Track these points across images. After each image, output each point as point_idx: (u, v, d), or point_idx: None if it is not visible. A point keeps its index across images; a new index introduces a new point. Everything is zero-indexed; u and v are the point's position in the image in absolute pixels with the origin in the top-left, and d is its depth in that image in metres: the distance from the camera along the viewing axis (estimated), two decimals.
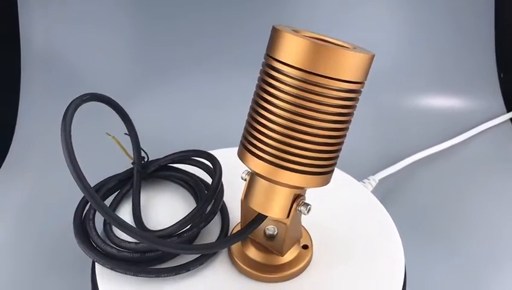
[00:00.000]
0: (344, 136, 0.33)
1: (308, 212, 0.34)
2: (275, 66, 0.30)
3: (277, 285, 0.37)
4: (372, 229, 0.42)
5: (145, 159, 0.45)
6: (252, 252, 0.38)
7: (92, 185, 0.35)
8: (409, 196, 0.57)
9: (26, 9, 0.70)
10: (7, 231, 0.53)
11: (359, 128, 0.47)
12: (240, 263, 0.37)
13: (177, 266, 0.37)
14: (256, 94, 0.32)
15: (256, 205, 0.34)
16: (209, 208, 0.40)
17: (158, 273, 0.36)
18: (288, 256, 0.38)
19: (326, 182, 0.33)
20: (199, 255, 0.37)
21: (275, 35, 0.30)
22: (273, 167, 0.31)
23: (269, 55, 0.31)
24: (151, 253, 0.37)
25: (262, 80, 0.31)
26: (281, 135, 0.31)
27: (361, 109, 0.45)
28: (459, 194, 0.58)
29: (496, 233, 0.53)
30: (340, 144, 0.33)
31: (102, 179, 0.44)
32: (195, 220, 0.39)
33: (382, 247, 0.41)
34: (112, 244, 0.38)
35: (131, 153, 0.44)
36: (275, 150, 0.31)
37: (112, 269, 0.36)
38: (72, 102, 0.36)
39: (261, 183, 0.33)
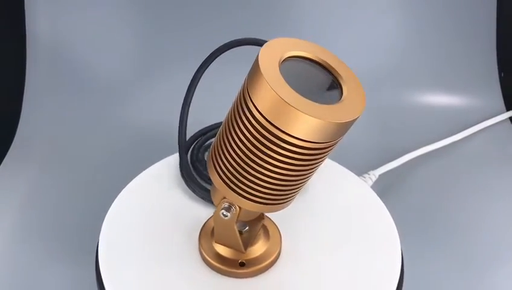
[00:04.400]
0: (301, 182, 0.32)
1: (223, 215, 0.34)
2: (246, 99, 0.28)
3: (254, 279, 0.37)
4: (370, 224, 0.43)
5: None
6: (219, 247, 0.38)
7: None
8: (408, 191, 0.58)
9: (32, 0, 0.70)
10: (12, 220, 0.53)
11: (360, 123, 0.47)
12: (207, 258, 0.38)
13: None
14: (229, 114, 0.31)
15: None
16: None
17: None
18: (253, 253, 0.38)
19: (274, 210, 0.34)
20: None
21: (255, 67, 0.28)
22: (225, 185, 0.32)
23: (246, 86, 0.29)
24: None
25: (236, 104, 0.30)
26: (236, 163, 0.30)
27: None
28: (458, 190, 0.58)
29: (495, 230, 0.53)
30: (295, 187, 0.32)
31: None
32: None
33: (379, 242, 0.41)
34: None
35: None
36: (229, 173, 0.31)
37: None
38: (227, 43, 0.40)
39: None
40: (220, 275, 0.38)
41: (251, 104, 0.28)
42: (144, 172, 0.48)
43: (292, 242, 0.40)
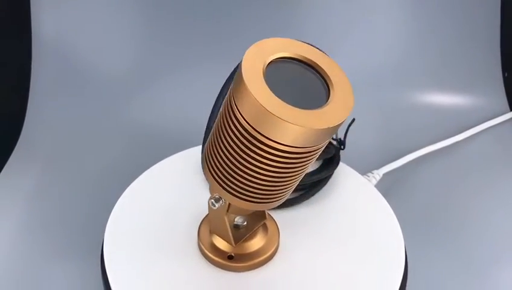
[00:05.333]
0: (291, 182, 0.32)
1: (211, 204, 0.35)
2: (231, 104, 0.29)
3: (250, 273, 0.38)
4: (373, 223, 0.43)
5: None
6: (218, 241, 0.39)
7: None
8: (412, 191, 0.57)
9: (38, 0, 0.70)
10: (18, 218, 0.54)
11: (364, 122, 0.47)
12: (202, 247, 0.39)
13: None
14: (219, 115, 0.31)
15: None
16: None
17: None
18: (246, 248, 0.39)
19: (263, 208, 0.34)
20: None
21: (238, 73, 0.28)
22: (216, 182, 0.33)
23: (232, 90, 0.29)
24: None
25: (224, 107, 0.30)
26: (224, 162, 0.31)
27: (367, 103, 0.45)
28: (462, 190, 0.58)
29: (498, 230, 0.53)
30: (284, 187, 0.32)
31: None
32: None
33: (383, 241, 0.41)
34: None
35: None
36: (219, 171, 0.32)
37: None
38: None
39: None
40: (216, 268, 0.38)
41: (236, 108, 0.28)
42: (148, 170, 0.48)
43: (293, 240, 0.41)
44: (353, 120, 0.47)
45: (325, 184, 0.46)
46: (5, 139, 0.64)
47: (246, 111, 0.28)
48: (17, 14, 0.70)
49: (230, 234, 0.37)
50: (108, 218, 0.43)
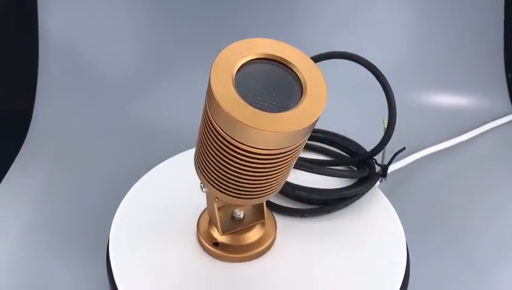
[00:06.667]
0: (273, 179, 0.32)
1: (200, 188, 0.36)
2: (206, 108, 0.29)
3: (245, 264, 0.39)
4: (376, 222, 0.43)
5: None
6: (213, 229, 0.40)
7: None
8: (415, 191, 0.58)
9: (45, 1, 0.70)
10: (24, 214, 0.54)
11: (368, 122, 0.48)
12: (199, 236, 0.40)
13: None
14: (202, 117, 0.31)
15: None
16: None
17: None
18: (236, 240, 0.39)
19: (248, 203, 0.35)
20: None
21: (208, 81, 0.28)
22: (201, 175, 0.34)
23: (206, 97, 0.29)
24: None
25: (203, 110, 0.30)
26: (206, 160, 0.32)
27: (369, 103, 0.45)
28: (465, 190, 0.58)
29: (500, 230, 0.53)
30: (267, 184, 0.33)
31: None
32: None
33: (385, 240, 0.41)
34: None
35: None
36: (204, 168, 0.33)
37: None
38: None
39: None
40: (216, 261, 0.39)
41: (209, 114, 0.29)
42: (152, 169, 0.49)
43: (290, 237, 0.41)
44: (403, 148, 0.48)
45: (349, 203, 0.45)
46: (13, 137, 0.65)
47: (216, 117, 0.28)
48: (24, 14, 0.70)
49: (218, 222, 0.38)
50: (113, 216, 0.43)
